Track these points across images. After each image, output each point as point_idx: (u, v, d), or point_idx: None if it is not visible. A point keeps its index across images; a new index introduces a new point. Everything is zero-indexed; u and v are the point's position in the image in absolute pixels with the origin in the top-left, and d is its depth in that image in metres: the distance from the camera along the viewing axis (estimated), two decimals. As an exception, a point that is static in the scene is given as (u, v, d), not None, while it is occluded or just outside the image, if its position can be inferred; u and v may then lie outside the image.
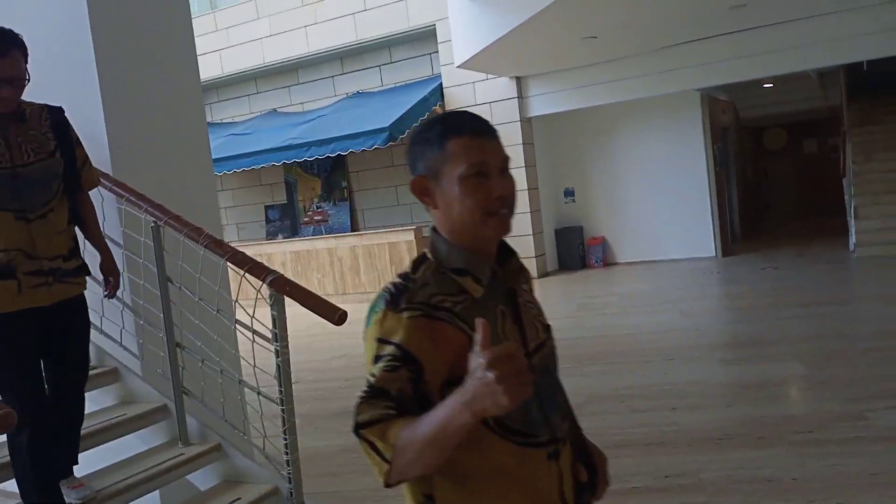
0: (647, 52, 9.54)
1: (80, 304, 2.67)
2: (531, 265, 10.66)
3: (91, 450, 2.94)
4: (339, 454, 4.29)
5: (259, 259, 3.05)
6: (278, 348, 2.83)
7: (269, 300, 2.83)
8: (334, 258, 10.77)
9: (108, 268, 2.83)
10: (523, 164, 10.49)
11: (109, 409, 3.24)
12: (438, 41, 10.84)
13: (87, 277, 2.76)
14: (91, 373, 2.91)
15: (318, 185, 12.16)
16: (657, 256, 11.02)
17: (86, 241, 2.85)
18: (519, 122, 10.55)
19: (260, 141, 11.18)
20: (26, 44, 2.44)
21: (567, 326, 7.15)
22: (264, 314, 2.82)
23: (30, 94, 4.25)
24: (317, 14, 11.51)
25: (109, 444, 3.03)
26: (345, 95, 11.84)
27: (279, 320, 2.83)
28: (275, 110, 12.52)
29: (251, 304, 2.88)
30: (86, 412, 2.81)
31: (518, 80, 10.60)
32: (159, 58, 3.96)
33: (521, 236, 10.64)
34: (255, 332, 2.89)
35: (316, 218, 12.11)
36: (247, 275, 2.88)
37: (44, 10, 3.73)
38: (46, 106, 2.61)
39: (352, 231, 11.51)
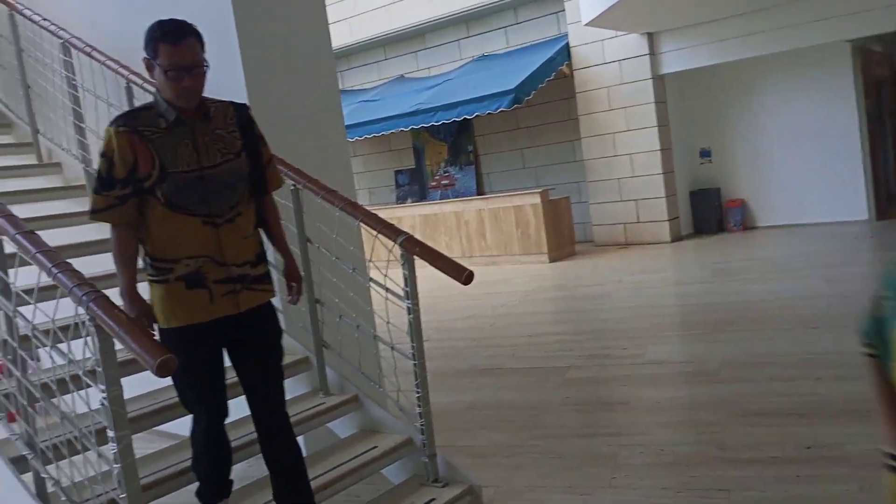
0: (792, 1, 8.86)
1: (271, 312, 2.51)
2: (663, 229, 10.34)
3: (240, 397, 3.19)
4: (466, 410, 4.41)
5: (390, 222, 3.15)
6: (410, 305, 2.94)
7: (400, 260, 2.94)
8: (461, 221, 10.91)
9: (292, 273, 2.66)
10: (655, 124, 10.12)
11: (256, 359, 3.49)
12: (565, -1, 10.59)
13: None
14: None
15: (444, 149, 12.30)
16: (802, 220, 10.35)
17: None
18: (651, 80, 10.14)
19: (388, 107, 11.42)
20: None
21: (700, 292, 6.92)
22: (396, 274, 2.93)
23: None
24: (443, -22, 11.52)
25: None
26: (470, 59, 11.84)
27: (410, 279, 2.93)
28: (402, 76, 12.72)
29: (384, 264, 3.00)
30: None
31: (649, 35, 10.17)
32: (295, 28, 4.13)
33: (653, 198, 10.31)
34: (388, 290, 3.01)
35: (443, 182, 12.28)
36: (379, 236, 2.99)
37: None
38: (231, 103, 2.46)
39: (478, 195, 11.59)
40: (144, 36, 2.24)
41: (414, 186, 12.64)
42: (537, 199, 10.10)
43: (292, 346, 3.46)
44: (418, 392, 2.96)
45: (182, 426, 3.56)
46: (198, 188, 2.26)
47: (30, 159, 4.65)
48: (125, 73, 4.02)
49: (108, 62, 4.10)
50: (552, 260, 10.07)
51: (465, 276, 2.87)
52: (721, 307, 6.17)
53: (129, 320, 1.99)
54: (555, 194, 10.62)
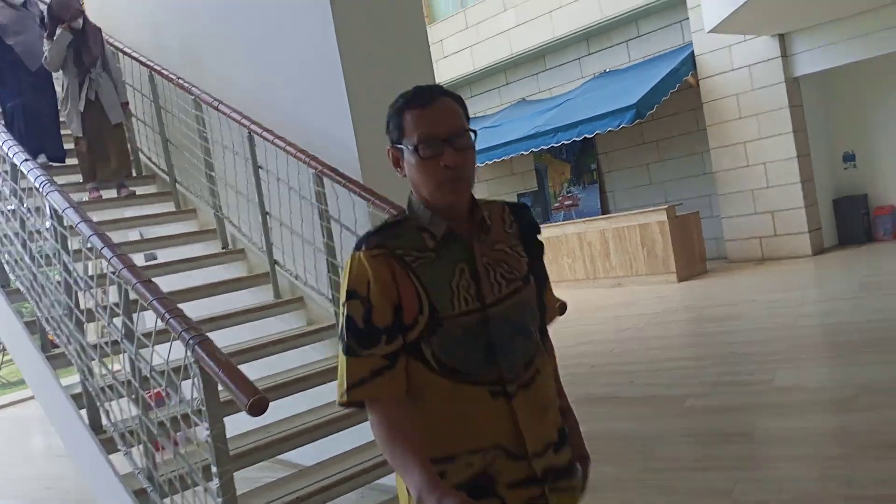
0: (944, -14, 8.11)
1: None
2: (803, 242, 9.70)
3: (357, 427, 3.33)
4: (578, 441, 4.34)
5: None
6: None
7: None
8: (584, 242, 10.74)
9: (578, 449, 1.68)
10: (791, 130, 9.54)
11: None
12: (689, 6, 10.25)
13: None
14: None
15: (567, 169, 12.20)
16: (966, 225, 9.38)
17: None
18: (784, 84, 9.59)
19: (509, 131, 11.50)
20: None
21: (844, 309, 6.42)
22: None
23: (288, 112, 4.86)
24: (561, -3, 11.51)
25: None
26: (591, 76, 11.72)
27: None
28: (523, 99, 12.78)
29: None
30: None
31: (781, 37, 9.63)
32: (398, 65, 4.32)
33: (791, 210, 9.71)
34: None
35: (566, 203, 12.17)
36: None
37: (297, 32, 4.31)
38: (505, 204, 1.64)
39: (602, 214, 11.38)
40: (387, 121, 1.51)
41: (536, 209, 12.60)
42: (663, 216, 9.78)
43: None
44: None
45: (301, 455, 3.78)
46: (481, 339, 1.45)
47: (169, 207, 5.13)
48: (247, 123, 4.36)
49: (233, 114, 4.47)
50: (681, 279, 9.70)
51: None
52: (865, 326, 5.70)
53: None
54: (684, 209, 10.25)
